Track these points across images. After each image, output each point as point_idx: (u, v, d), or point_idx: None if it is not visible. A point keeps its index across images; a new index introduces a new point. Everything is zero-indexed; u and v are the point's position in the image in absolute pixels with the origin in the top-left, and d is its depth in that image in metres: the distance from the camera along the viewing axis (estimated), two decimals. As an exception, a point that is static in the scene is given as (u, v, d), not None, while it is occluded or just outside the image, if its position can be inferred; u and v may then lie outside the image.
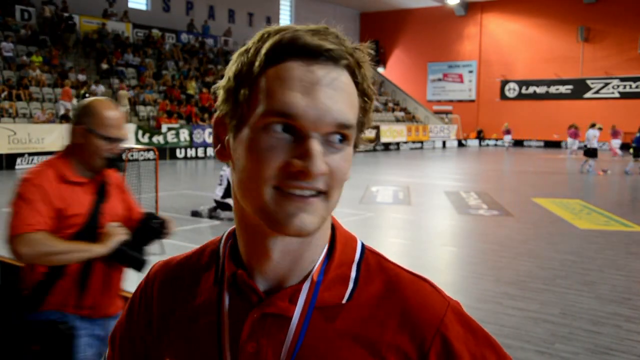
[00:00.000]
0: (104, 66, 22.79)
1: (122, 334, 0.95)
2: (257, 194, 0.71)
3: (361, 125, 0.76)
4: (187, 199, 11.54)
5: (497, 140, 34.59)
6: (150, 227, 2.42)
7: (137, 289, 0.95)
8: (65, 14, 23.85)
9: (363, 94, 0.75)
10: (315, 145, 0.69)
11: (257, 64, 0.72)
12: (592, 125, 19.03)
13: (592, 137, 18.54)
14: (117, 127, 2.22)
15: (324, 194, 0.72)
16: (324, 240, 0.80)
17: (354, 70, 0.73)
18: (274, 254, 0.77)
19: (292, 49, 0.71)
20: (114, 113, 2.22)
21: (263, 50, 0.72)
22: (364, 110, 0.75)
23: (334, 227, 0.83)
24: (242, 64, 0.74)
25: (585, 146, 18.98)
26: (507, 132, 30.90)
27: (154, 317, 0.89)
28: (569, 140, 26.69)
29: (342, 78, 0.72)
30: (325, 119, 0.70)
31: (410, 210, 11.03)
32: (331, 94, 0.70)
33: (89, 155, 2.20)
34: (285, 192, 0.70)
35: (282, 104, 0.69)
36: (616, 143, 23.23)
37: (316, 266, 0.78)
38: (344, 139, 0.72)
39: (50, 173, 2.17)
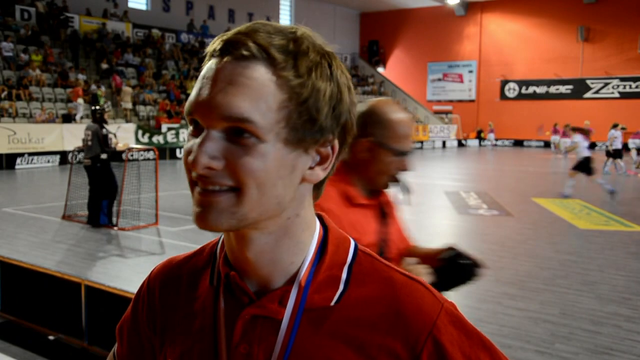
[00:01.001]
0: (104, 66, 22.80)
1: (130, 328, 0.95)
2: (189, 186, 0.75)
3: (302, 116, 0.72)
4: (187, 199, 11.53)
5: (491, 140, 34.82)
6: (458, 267, 1.90)
7: (139, 288, 0.95)
8: (66, 13, 23.86)
9: (297, 87, 0.71)
10: (205, 139, 0.70)
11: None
12: (615, 126, 18.96)
13: (614, 137, 18.47)
14: (410, 137, 1.79)
15: (235, 190, 0.70)
16: (305, 240, 0.79)
17: (277, 64, 0.70)
18: (249, 255, 0.77)
19: (213, 48, 0.73)
20: (407, 120, 1.78)
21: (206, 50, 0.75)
22: (297, 103, 0.71)
23: (327, 228, 0.82)
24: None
25: (609, 147, 19.02)
26: (491, 131, 33.24)
27: (157, 317, 0.90)
28: (552, 137, 27.66)
29: (246, 72, 0.69)
30: (212, 113, 0.69)
31: (410, 210, 11.03)
32: (226, 88, 0.69)
33: (376, 173, 1.80)
34: (198, 188, 0.72)
35: (187, 102, 0.73)
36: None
37: (305, 268, 0.77)
38: (250, 134, 0.69)
39: (334, 194, 1.75)
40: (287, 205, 0.75)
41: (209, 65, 0.73)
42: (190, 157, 0.70)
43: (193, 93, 0.72)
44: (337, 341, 0.75)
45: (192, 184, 0.73)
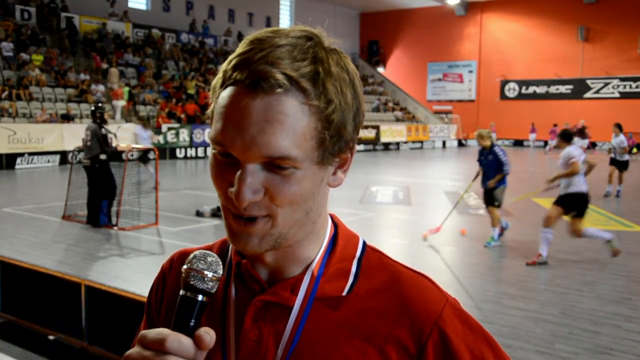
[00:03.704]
0: (104, 66, 22.81)
1: (148, 310, 0.97)
2: (222, 208, 0.77)
3: (333, 138, 0.73)
4: (187, 199, 11.54)
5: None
6: None
7: (155, 278, 0.96)
8: (65, 13, 23.88)
9: (329, 114, 0.72)
10: (245, 174, 0.70)
11: (219, 83, 0.74)
12: None
13: None
14: None
15: (267, 217, 0.73)
16: (321, 237, 0.82)
17: (308, 94, 0.71)
18: (266, 258, 0.80)
19: (237, 77, 0.71)
20: None
21: (222, 68, 0.74)
22: (329, 128, 0.72)
23: (337, 226, 0.85)
24: (216, 79, 0.76)
25: None
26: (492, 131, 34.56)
27: (163, 304, 0.91)
28: (532, 136, 31.98)
29: (279, 107, 0.69)
30: (251, 152, 0.70)
31: (410, 210, 11.02)
32: (261, 126, 0.69)
33: None
34: (232, 213, 0.74)
35: (215, 132, 0.72)
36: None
37: (316, 260, 0.81)
38: (289, 166, 0.71)
39: None
40: (315, 212, 0.78)
41: (235, 95, 0.71)
42: (233, 190, 0.71)
43: (221, 124, 0.71)
44: (346, 330, 0.77)
45: (227, 203, 0.74)
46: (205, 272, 0.71)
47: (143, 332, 0.68)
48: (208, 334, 0.68)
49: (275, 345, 0.78)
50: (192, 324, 0.69)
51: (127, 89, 21.68)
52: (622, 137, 13.40)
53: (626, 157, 13.44)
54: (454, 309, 0.79)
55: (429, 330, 0.76)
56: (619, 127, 13.31)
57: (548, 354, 4.36)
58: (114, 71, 21.94)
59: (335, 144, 0.75)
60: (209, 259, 0.72)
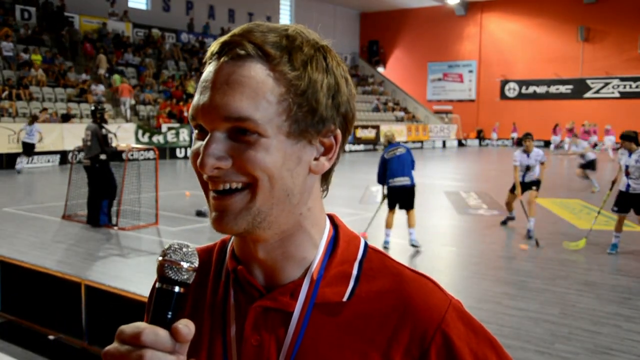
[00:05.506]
0: (104, 66, 22.82)
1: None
2: (202, 189, 0.77)
3: (302, 107, 0.73)
4: (187, 199, 11.53)
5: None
6: None
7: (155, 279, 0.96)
8: (65, 13, 23.89)
9: (294, 79, 0.72)
10: (208, 141, 0.71)
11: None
12: None
13: None
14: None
15: (246, 188, 0.72)
16: (315, 235, 0.80)
17: (272, 60, 0.72)
18: (259, 254, 0.78)
19: (211, 51, 0.76)
20: None
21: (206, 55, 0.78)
22: (295, 95, 0.72)
23: (338, 227, 0.84)
24: None
25: None
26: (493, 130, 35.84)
27: None
28: (513, 135, 33.29)
29: (242, 71, 0.71)
30: (212, 114, 0.71)
31: (410, 210, 11.00)
32: (224, 89, 0.71)
33: None
34: (213, 193, 0.74)
35: (190, 107, 0.75)
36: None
37: (316, 262, 0.79)
38: (252, 131, 0.71)
39: None
40: (298, 199, 0.76)
41: (208, 68, 0.75)
42: (198, 161, 0.72)
43: (195, 98, 0.74)
44: (347, 334, 0.76)
45: (206, 188, 0.75)
46: (181, 264, 0.69)
47: (121, 327, 0.67)
48: (186, 326, 0.66)
49: (277, 351, 0.76)
50: (169, 316, 0.67)
51: (117, 76, 21.83)
52: (536, 150, 8.78)
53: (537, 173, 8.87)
54: (458, 312, 0.78)
55: (432, 334, 0.75)
56: (530, 136, 8.84)
57: (548, 354, 4.36)
58: (102, 57, 22.16)
59: (307, 116, 0.73)
60: (184, 249, 0.71)
